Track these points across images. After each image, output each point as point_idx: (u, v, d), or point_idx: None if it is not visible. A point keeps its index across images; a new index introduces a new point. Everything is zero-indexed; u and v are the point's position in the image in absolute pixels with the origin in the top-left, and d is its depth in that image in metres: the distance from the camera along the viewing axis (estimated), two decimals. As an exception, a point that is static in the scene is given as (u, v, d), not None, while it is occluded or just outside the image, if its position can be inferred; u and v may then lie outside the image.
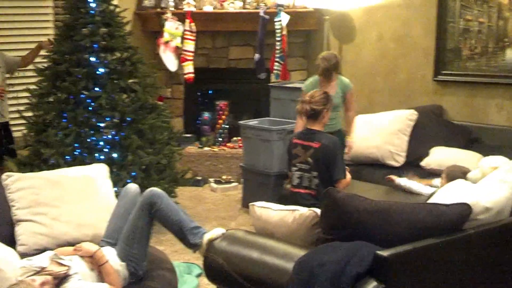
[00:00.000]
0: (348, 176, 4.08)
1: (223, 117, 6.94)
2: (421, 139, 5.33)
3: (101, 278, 2.95)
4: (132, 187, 3.46)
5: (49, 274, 2.76)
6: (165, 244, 4.56)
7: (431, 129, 5.39)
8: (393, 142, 5.32)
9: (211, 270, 3.00)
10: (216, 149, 6.85)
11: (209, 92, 7.29)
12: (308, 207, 3.14)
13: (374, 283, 2.37)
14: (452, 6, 5.45)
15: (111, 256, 3.06)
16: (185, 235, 3.20)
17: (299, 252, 2.64)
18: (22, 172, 4.00)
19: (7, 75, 5.64)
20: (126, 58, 5.12)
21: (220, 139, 6.95)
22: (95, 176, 3.72)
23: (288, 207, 3.00)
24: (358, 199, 2.57)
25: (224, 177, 6.61)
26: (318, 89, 4.70)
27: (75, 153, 4.91)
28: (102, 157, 4.91)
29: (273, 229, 2.98)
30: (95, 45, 4.96)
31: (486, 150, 4.94)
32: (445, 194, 3.04)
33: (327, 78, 4.88)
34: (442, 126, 5.45)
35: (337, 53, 6.45)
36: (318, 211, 2.85)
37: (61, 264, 2.83)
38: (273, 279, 2.65)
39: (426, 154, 5.17)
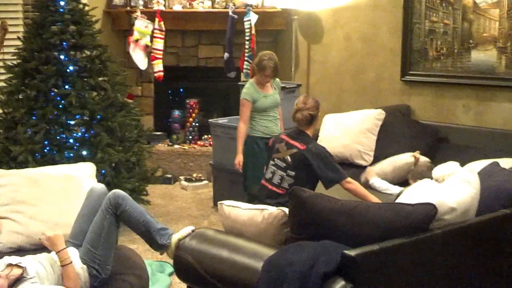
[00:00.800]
0: None
1: (193, 115, 6.97)
2: (388, 138, 5.38)
3: (62, 280, 2.92)
4: (97, 187, 3.39)
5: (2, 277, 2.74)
6: (138, 242, 4.56)
7: (398, 129, 5.44)
8: (361, 141, 5.36)
9: (181, 268, 3.03)
10: (186, 147, 6.88)
11: (180, 90, 7.30)
12: (270, 204, 3.17)
13: (342, 283, 2.41)
14: (418, 8, 5.53)
15: (74, 257, 3.02)
16: (152, 236, 3.18)
17: (268, 252, 2.68)
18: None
19: None
20: (95, 56, 5.12)
21: (190, 137, 6.98)
22: (78, 175, 3.71)
23: (257, 206, 3.03)
24: (324, 198, 2.62)
25: (194, 175, 6.65)
26: (258, 92, 4.84)
27: (44, 150, 4.91)
28: (71, 154, 4.92)
29: (242, 228, 3.01)
30: (64, 43, 4.97)
31: (453, 149, 5.07)
32: (412, 194, 3.11)
33: (274, 77, 4.95)
34: (410, 125, 5.50)
35: (306, 52, 6.56)
36: (287, 210, 2.87)
37: (17, 266, 2.80)
38: (243, 278, 2.69)
39: (393, 154, 5.25)
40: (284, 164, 3.91)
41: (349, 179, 3.86)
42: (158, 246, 3.19)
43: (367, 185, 4.47)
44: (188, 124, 6.98)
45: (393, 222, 2.57)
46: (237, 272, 2.74)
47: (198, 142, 6.93)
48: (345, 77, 6.31)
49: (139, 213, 3.20)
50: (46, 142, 4.91)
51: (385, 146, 5.34)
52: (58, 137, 4.93)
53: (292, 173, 3.88)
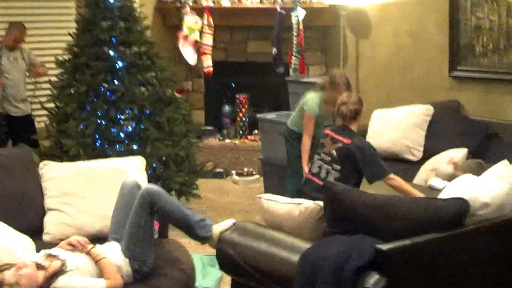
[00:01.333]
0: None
1: (243, 110, 7.08)
2: (438, 134, 5.37)
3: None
4: (128, 180, 3.43)
5: (42, 268, 2.86)
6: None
7: (448, 124, 5.41)
8: (410, 136, 5.37)
9: (223, 261, 3.11)
10: (237, 141, 6.99)
11: (230, 85, 7.39)
12: (318, 198, 3.20)
13: (377, 277, 2.45)
14: (464, 4, 5.50)
15: (114, 252, 3.10)
16: (193, 229, 3.21)
17: (305, 245, 2.73)
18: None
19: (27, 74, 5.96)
20: (143, 52, 5.22)
21: (241, 132, 7.09)
22: (127, 169, 3.78)
23: (293, 200, 3.08)
24: (356, 193, 2.67)
25: (245, 169, 6.70)
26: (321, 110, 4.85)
27: (96, 144, 5.03)
28: (122, 148, 5.04)
29: (281, 221, 3.06)
30: (113, 39, 5.07)
31: (503, 145, 5.01)
32: (453, 188, 3.10)
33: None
34: (459, 121, 5.46)
35: (354, 48, 6.57)
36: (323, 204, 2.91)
37: (57, 258, 2.92)
38: (280, 270, 2.76)
39: (442, 149, 5.21)
40: (330, 158, 3.95)
41: (392, 175, 3.84)
42: (199, 238, 3.25)
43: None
44: (238, 119, 7.09)
45: (424, 217, 2.61)
46: (275, 264, 2.81)
47: (249, 137, 7.03)
48: (394, 73, 6.30)
49: (176, 208, 3.24)
50: (96, 136, 5.03)
51: (434, 142, 5.31)
52: (108, 131, 5.06)
53: (338, 167, 3.91)
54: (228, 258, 3.02)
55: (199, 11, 6.65)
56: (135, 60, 5.15)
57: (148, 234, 3.14)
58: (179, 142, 5.34)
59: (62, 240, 3.39)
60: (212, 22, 6.62)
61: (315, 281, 2.49)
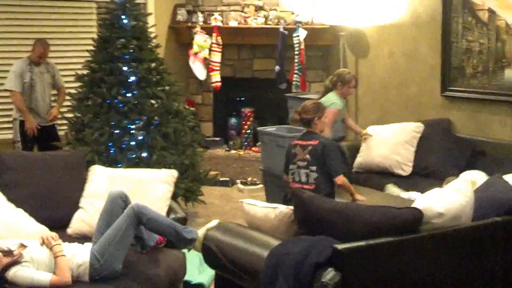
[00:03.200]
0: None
1: (248, 123, 7.47)
2: (427, 150, 5.65)
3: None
4: (114, 191, 3.71)
5: (8, 255, 3.24)
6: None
7: (437, 142, 5.69)
8: (399, 152, 5.65)
9: (207, 256, 3.49)
10: (241, 152, 7.39)
11: (236, 99, 7.80)
12: None
13: (333, 273, 2.79)
14: (455, 27, 5.79)
15: (79, 250, 3.42)
16: (180, 234, 3.59)
17: (275, 243, 3.10)
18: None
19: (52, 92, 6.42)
20: (153, 68, 5.68)
21: (246, 143, 7.49)
22: (151, 179, 4.13)
23: (270, 205, 3.46)
24: (320, 199, 3.04)
25: (249, 179, 7.07)
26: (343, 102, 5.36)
27: (110, 151, 5.46)
28: (133, 155, 5.47)
29: (260, 223, 3.44)
30: (126, 56, 5.53)
31: (488, 162, 5.27)
32: (419, 199, 3.45)
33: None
34: (448, 138, 5.74)
35: (354, 67, 6.93)
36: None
37: (23, 247, 3.31)
38: (253, 265, 3.12)
39: (431, 165, 5.53)
40: (306, 163, 4.41)
41: (339, 176, 4.36)
42: (186, 241, 3.61)
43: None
44: (244, 131, 7.49)
45: (380, 222, 2.94)
46: (248, 259, 3.16)
47: (253, 148, 7.41)
48: (390, 91, 6.62)
49: (162, 218, 3.63)
50: (110, 144, 5.48)
51: (423, 158, 5.63)
52: (120, 140, 5.47)
53: (314, 167, 4.36)
54: (210, 253, 3.40)
55: (209, 30, 7.10)
56: (146, 75, 5.61)
57: (124, 241, 3.43)
58: (184, 151, 5.76)
59: (78, 234, 3.87)
60: (220, 41, 7.06)
61: (278, 274, 2.87)
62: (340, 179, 4.37)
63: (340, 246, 2.82)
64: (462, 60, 5.82)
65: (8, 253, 3.26)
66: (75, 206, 4.04)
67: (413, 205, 3.19)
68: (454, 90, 5.92)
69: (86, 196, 4.09)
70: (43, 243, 3.38)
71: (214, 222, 3.62)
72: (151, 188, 4.07)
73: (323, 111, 4.61)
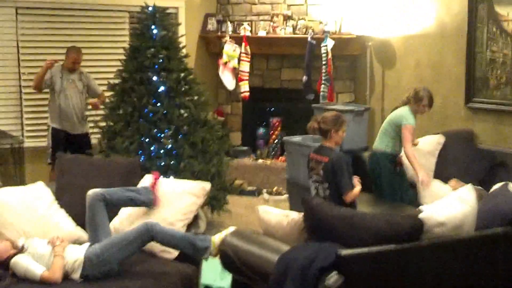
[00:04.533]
0: (357, 188, 4.47)
1: (276, 132, 7.59)
2: (448, 161, 5.71)
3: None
4: (89, 193, 3.88)
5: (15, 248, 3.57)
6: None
7: (458, 153, 5.74)
8: (421, 162, 5.68)
9: (224, 260, 3.63)
10: (268, 162, 7.49)
11: (265, 109, 7.93)
12: None
13: (336, 276, 2.93)
14: (480, 37, 5.84)
15: (76, 250, 3.64)
16: (194, 242, 3.75)
17: (286, 249, 3.24)
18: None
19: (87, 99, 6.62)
20: (182, 78, 5.85)
21: (273, 153, 7.60)
22: (183, 190, 4.19)
23: (284, 212, 3.60)
24: (328, 207, 3.16)
25: (274, 188, 7.18)
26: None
27: (140, 159, 5.61)
28: (162, 163, 5.64)
29: (273, 230, 3.57)
30: (156, 66, 5.70)
31: (510, 173, 5.31)
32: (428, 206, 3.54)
33: (430, 107, 5.46)
34: (469, 150, 5.78)
35: (381, 77, 7.00)
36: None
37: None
38: (265, 268, 3.26)
39: (452, 175, 5.58)
40: (320, 178, 4.48)
41: (349, 193, 4.37)
42: (202, 250, 3.75)
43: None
44: (271, 141, 7.61)
45: (384, 230, 3.06)
46: (261, 263, 3.30)
47: (280, 158, 7.49)
48: (416, 101, 6.67)
49: (175, 232, 3.79)
50: (139, 152, 5.66)
51: (444, 168, 5.68)
52: (149, 148, 5.65)
53: (326, 184, 4.44)
54: (227, 258, 3.55)
55: (238, 40, 7.24)
56: (175, 85, 5.78)
57: (128, 248, 3.63)
58: (211, 160, 5.92)
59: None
60: (249, 50, 7.21)
61: (286, 277, 3.01)
62: (349, 197, 4.39)
63: (344, 252, 2.95)
64: (486, 71, 5.86)
65: (18, 248, 3.58)
66: (117, 212, 4.18)
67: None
68: (478, 101, 5.97)
69: None
70: (49, 243, 3.65)
71: (231, 229, 3.76)
72: (178, 198, 4.13)
73: (342, 124, 4.59)
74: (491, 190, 3.88)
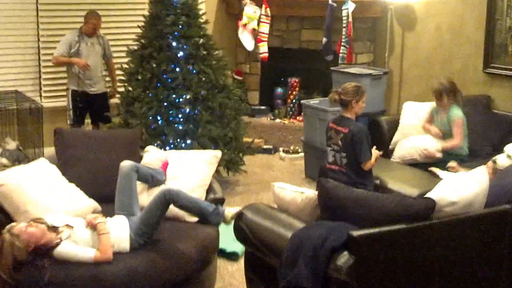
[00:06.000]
0: (373, 158, 4.64)
1: (294, 92, 7.64)
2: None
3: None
4: (124, 163, 3.98)
5: (53, 231, 3.51)
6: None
7: (475, 118, 5.74)
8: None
9: (238, 233, 3.74)
10: (286, 121, 7.58)
11: (283, 69, 7.90)
12: (338, 181, 3.80)
13: (347, 256, 3.01)
14: (500, 5, 5.84)
15: (121, 226, 3.65)
16: (207, 219, 3.90)
17: (300, 225, 3.34)
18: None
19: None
20: (201, 44, 5.90)
21: (291, 112, 7.67)
22: (197, 159, 4.32)
23: (298, 189, 3.70)
24: (342, 188, 3.25)
25: (292, 147, 7.27)
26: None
27: (158, 124, 5.74)
28: (180, 128, 5.76)
29: (287, 206, 3.68)
30: (176, 33, 5.75)
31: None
32: (439, 185, 3.62)
33: (437, 99, 5.44)
34: (487, 116, 5.84)
35: (400, 39, 7.00)
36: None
37: (68, 227, 3.57)
38: (278, 244, 3.36)
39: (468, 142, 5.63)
40: (338, 148, 4.61)
41: (367, 163, 4.57)
42: (215, 213, 3.91)
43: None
44: (289, 100, 7.66)
45: (395, 211, 3.13)
46: (274, 239, 3.40)
47: (297, 118, 7.56)
48: (435, 65, 6.69)
49: (193, 203, 3.89)
50: (158, 117, 5.78)
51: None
52: (168, 113, 5.75)
53: (344, 154, 4.56)
54: (241, 231, 3.67)
55: (258, 1, 7.21)
56: (194, 51, 5.83)
57: (156, 222, 3.71)
58: (229, 124, 6.02)
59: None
60: (269, 12, 7.17)
61: (299, 255, 3.12)
62: (367, 166, 4.61)
63: (355, 233, 3.02)
64: (505, 38, 5.86)
65: (53, 228, 3.55)
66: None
67: (430, 193, 3.36)
68: (496, 67, 6.01)
69: None
70: (87, 225, 3.65)
71: (235, 209, 3.93)
72: (194, 167, 4.29)
73: (362, 95, 4.69)
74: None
